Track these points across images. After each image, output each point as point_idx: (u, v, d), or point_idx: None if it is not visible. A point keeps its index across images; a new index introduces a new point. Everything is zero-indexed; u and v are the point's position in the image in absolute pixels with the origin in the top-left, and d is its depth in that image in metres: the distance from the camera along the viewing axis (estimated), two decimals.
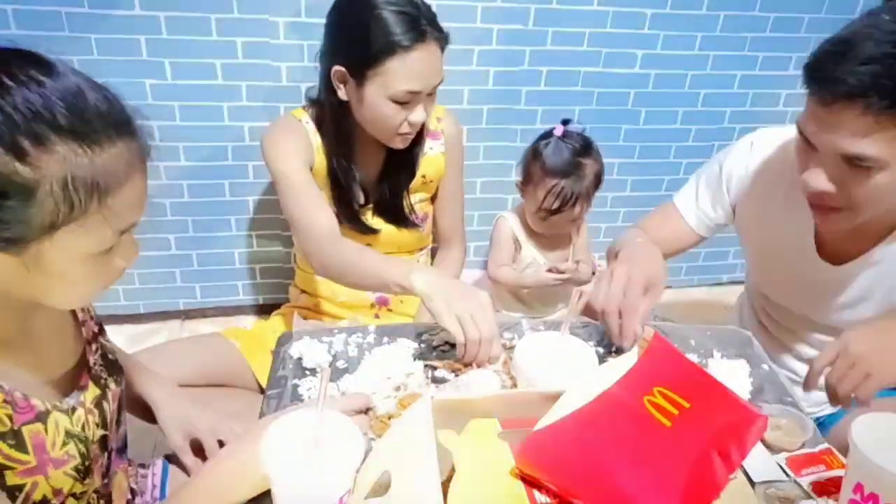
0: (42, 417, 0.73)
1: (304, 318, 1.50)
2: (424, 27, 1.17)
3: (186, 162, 1.79)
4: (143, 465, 1.03)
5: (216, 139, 1.78)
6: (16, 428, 0.70)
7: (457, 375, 0.96)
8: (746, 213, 1.19)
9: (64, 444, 0.75)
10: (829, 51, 0.87)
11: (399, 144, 1.30)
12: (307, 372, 0.98)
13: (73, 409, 0.78)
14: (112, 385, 0.86)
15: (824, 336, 1.18)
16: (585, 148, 1.50)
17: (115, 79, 1.75)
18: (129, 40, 1.59)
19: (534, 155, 1.52)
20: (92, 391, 0.82)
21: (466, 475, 0.65)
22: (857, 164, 0.87)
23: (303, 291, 1.54)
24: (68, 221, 0.62)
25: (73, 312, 0.86)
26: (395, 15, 1.15)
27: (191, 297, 2.01)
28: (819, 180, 0.92)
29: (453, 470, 0.66)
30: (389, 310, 1.53)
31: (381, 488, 0.66)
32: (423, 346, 1.04)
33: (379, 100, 1.20)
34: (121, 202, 0.64)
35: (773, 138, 1.14)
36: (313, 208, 1.24)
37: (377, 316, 1.51)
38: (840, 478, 0.75)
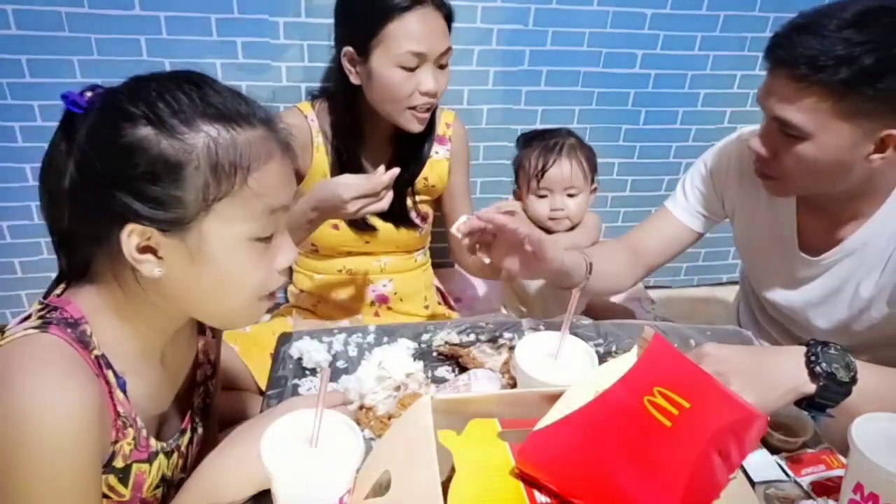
0: (151, 458, 0.75)
1: (303, 318, 1.50)
2: None
3: None
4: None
5: None
6: (128, 463, 0.72)
7: (456, 374, 0.97)
8: (735, 206, 1.21)
9: (157, 486, 0.77)
10: (789, 22, 0.95)
11: (415, 125, 1.30)
12: (307, 372, 0.98)
13: (172, 453, 0.79)
14: (200, 430, 0.88)
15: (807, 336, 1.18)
16: (568, 131, 1.55)
17: (115, 79, 1.74)
18: (129, 40, 1.59)
19: (517, 146, 1.58)
20: (189, 434, 0.84)
21: (466, 475, 0.65)
22: (787, 133, 0.94)
23: (301, 291, 1.54)
24: (220, 197, 0.66)
25: (197, 352, 0.88)
26: None
27: None
28: (757, 143, 1.00)
29: (453, 470, 0.66)
30: (389, 308, 1.53)
31: (381, 488, 0.66)
32: (423, 346, 1.04)
33: (386, 69, 1.22)
34: (264, 179, 0.68)
35: (755, 131, 1.16)
36: None
37: (377, 314, 1.51)
38: (840, 478, 0.75)
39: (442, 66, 1.27)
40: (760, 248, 1.20)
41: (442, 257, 1.85)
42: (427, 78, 1.24)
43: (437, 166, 1.44)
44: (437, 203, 1.55)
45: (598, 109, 1.95)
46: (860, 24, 0.86)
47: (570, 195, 1.49)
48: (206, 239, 0.67)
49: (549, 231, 1.53)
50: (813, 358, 0.84)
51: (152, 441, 0.75)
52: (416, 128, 1.31)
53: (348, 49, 1.25)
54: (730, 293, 2.25)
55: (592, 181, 1.54)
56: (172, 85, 0.69)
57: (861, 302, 1.08)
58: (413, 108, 1.27)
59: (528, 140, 1.55)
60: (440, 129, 1.44)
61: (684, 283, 2.37)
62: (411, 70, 1.23)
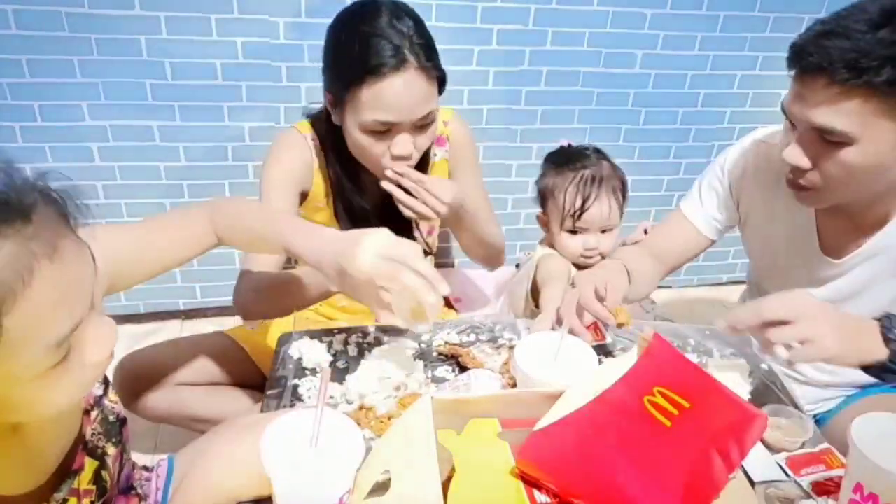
0: None
1: (304, 317, 1.50)
2: (406, 55, 1.08)
3: (186, 162, 1.79)
4: (146, 468, 1.03)
5: (216, 139, 1.78)
6: None
7: (456, 374, 0.97)
8: (749, 209, 1.20)
9: None
10: (809, 29, 0.92)
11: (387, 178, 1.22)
12: (307, 372, 0.98)
13: (65, 501, 0.69)
14: (111, 449, 0.80)
15: None
16: (598, 151, 1.43)
17: (115, 79, 1.74)
18: (129, 40, 1.59)
19: (544, 167, 1.45)
20: (89, 468, 0.74)
21: (466, 475, 0.65)
22: (828, 140, 0.91)
23: None
24: None
25: None
26: (378, 40, 1.08)
27: (191, 297, 2.01)
28: (795, 154, 0.95)
29: (453, 470, 0.66)
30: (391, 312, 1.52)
31: (381, 488, 0.66)
32: (423, 346, 1.04)
33: (353, 129, 1.15)
34: (26, 316, 0.50)
35: (774, 134, 1.14)
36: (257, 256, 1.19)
37: (378, 319, 1.50)
38: (840, 478, 0.75)
39: (423, 127, 1.17)
40: (777, 250, 1.18)
41: (443, 257, 1.86)
42: (400, 142, 1.15)
43: (436, 169, 1.39)
44: None
45: (598, 109, 1.95)
46: (892, 24, 0.86)
47: (605, 231, 1.39)
48: None
49: (579, 267, 1.41)
50: (887, 325, 0.86)
51: None
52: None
53: (328, 93, 1.18)
54: (730, 293, 2.26)
55: (624, 207, 1.42)
56: None
57: (881, 306, 1.07)
58: (387, 167, 1.18)
59: (557, 164, 1.42)
60: (438, 129, 1.34)
61: (684, 283, 2.37)
62: (381, 133, 1.14)
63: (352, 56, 1.10)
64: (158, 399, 1.30)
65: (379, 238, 0.83)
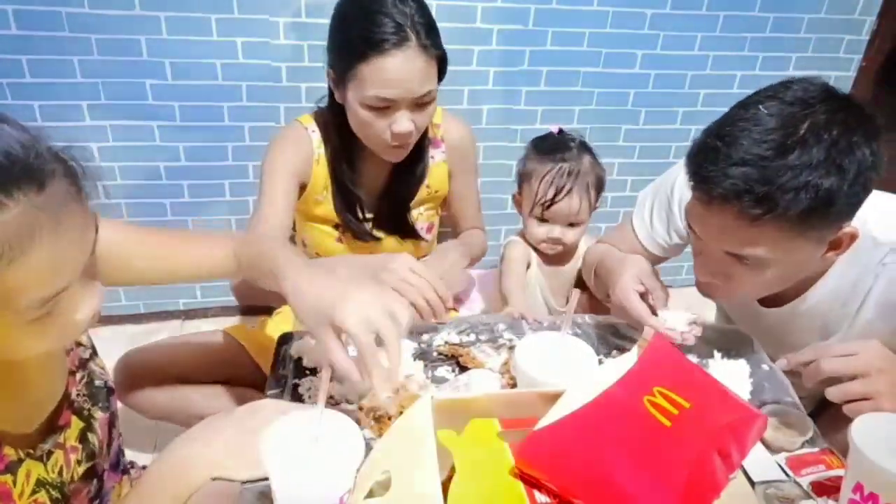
0: (12, 468, 0.68)
1: None
2: (408, 33, 1.10)
3: (186, 162, 1.79)
4: (145, 468, 1.03)
5: (216, 139, 1.78)
6: None
7: (456, 374, 0.97)
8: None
9: (33, 492, 0.71)
10: (707, 145, 0.84)
11: (391, 157, 1.25)
12: (307, 372, 0.98)
13: (49, 454, 0.73)
14: (98, 413, 0.82)
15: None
16: (583, 145, 1.44)
17: (115, 79, 1.74)
18: (129, 40, 1.60)
19: (528, 151, 1.47)
20: (75, 427, 0.77)
21: (466, 475, 0.65)
22: (744, 263, 0.88)
23: None
24: None
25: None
26: (381, 17, 1.10)
27: (191, 297, 2.02)
28: (704, 273, 0.95)
29: (453, 470, 0.66)
30: None
31: (381, 488, 0.66)
32: (423, 346, 1.04)
33: (355, 105, 1.17)
34: (16, 278, 0.53)
35: None
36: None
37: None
38: (840, 478, 0.75)
39: (422, 105, 1.18)
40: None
41: None
42: (400, 120, 1.16)
43: (436, 171, 1.40)
44: (444, 205, 1.52)
45: (598, 109, 1.96)
46: (797, 142, 0.79)
47: (572, 224, 1.43)
48: None
49: (541, 253, 1.49)
50: None
51: (7, 450, 0.68)
52: (392, 159, 1.26)
53: (330, 70, 1.21)
54: None
55: (597, 203, 1.46)
56: None
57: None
58: (390, 145, 1.21)
59: (540, 150, 1.43)
60: (430, 131, 1.37)
61: (684, 283, 2.37)
62: (381, 110, 1.15)
63: (355, 32, 1.12)
64: (158, 396, 1.30)
65: (362, 303, 0.77)
